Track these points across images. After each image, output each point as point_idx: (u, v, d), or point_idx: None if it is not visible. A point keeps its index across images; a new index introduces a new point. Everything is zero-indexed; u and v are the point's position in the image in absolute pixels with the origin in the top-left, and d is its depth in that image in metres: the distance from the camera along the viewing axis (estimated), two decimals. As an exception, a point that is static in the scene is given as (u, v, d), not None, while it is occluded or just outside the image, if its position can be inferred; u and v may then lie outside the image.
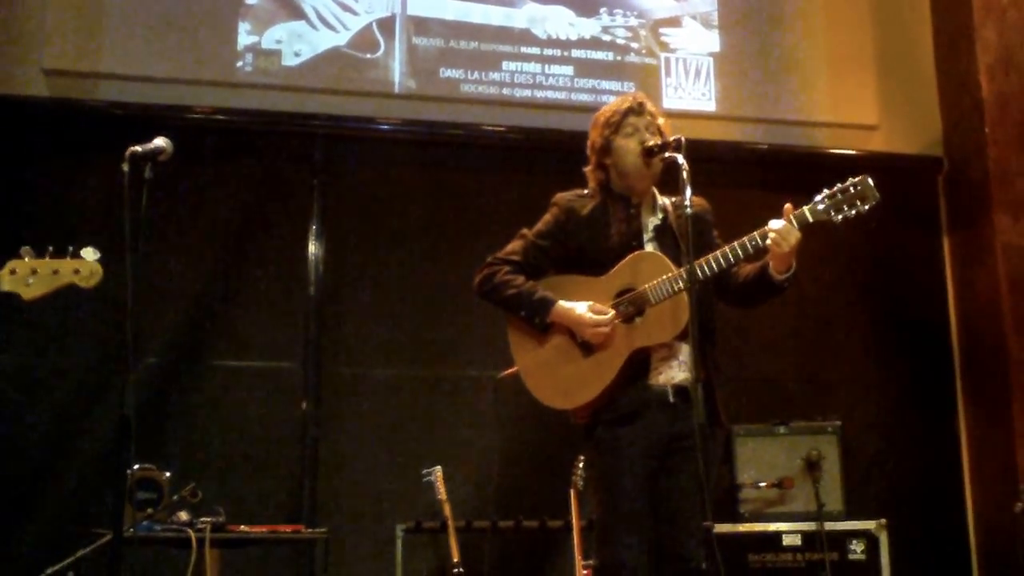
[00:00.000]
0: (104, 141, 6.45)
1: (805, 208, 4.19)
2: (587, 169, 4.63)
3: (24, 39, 6.83)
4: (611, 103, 4.63)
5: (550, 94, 7.48)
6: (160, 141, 4.23)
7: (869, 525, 6.23)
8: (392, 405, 6.93)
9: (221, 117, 7.02)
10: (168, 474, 5.60)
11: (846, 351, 7.72)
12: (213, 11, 7.09)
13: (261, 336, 6.88)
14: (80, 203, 6.65)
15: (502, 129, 7.42)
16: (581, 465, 5.63)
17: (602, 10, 7.65)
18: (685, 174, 4.09)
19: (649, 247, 4.42)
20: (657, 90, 7.54)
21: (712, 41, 7.84)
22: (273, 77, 7.10)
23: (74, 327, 6.54)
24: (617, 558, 4.20)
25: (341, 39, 7.22)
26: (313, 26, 7.18)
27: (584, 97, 7.47)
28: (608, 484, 4.31)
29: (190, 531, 5.36)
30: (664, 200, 4.52)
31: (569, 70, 7.51)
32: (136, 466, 5.35)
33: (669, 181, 4.31)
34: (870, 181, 4.14)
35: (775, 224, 4.17)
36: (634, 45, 7.67)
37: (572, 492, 5.84)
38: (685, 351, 4.27)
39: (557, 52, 7.53)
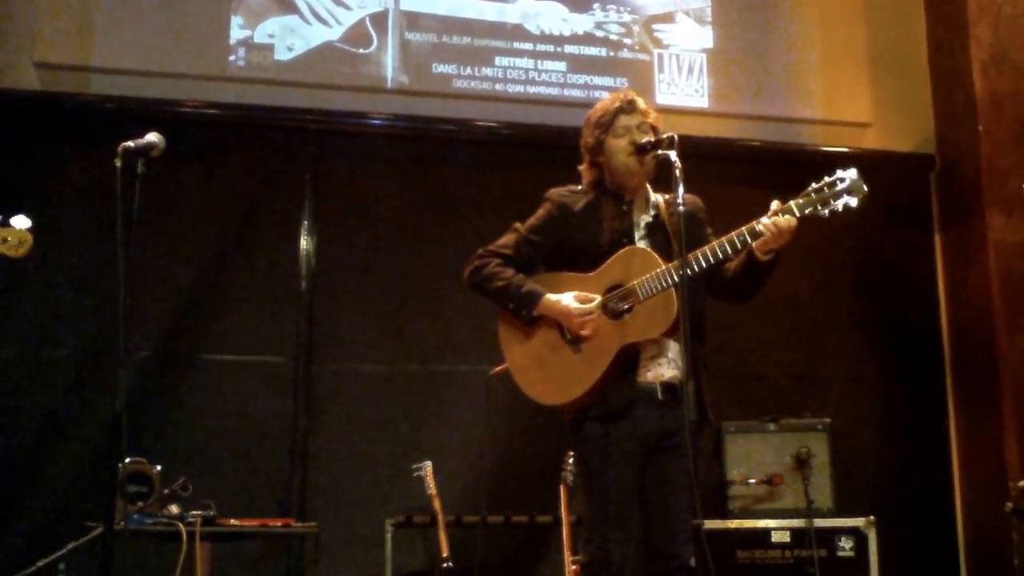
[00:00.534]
0: (95, 135, 6.48)
1: (792, 202, 4.18)
2: (581, 167, 4.62)
3: (15, 32, 6.82)
4: (602, 102, 4.62)
5: (542, 90, 7.49)
6: (153, 137, 4.23)
7: (858, 522, 6.25)
8: (382, 400, 6.93)
9: (213, 111, 7.02)
10: (159, 468, 5.61)
11: (837, 348, 7.73)
12: (205, 5, 7.09)
13: (252, 330, 6.87)
14: (70, 196, 6.64)
15: (494, 124, 7.42)
16: (571, 461, 5.63)
17: (595, 6, 7.65)
18: (678, 171, 4.09)
19: (641, 244, 4.41)
20: (650, 86, 7.54)
21: (705, 37, 7.84)
22: (265, 71, 7.10)
23: (64, 320, 6.55)
24: (605, 554, 4.19)
25: (334, 34, 7.21)
26: (306, 20, 7.17)
27: (576, 93, 7.47)
28: (596, 480, 4.30)
29: (180, 524, 5.38)
30: (657, 197, 4.52)
31: (562, 66, 7.51)
32: (127, 459, 5.35)
33: (663, 178, 4.31)
34: (857, 174, 4.14)
35: (766, 220, 4.17)
36: (627, 41, 7.67)
37: (562, 488, 5.85)
38: (674, 348, 4.29)
39: (550, 48, 7.52)
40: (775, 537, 6.23)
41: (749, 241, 4.18)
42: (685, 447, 3.92)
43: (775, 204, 4.21)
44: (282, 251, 7.00)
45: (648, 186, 4.54)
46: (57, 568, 5.36)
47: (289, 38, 7.13)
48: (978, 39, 7.69)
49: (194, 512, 5.48)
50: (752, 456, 6.48)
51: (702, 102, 7.75)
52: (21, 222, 4.58)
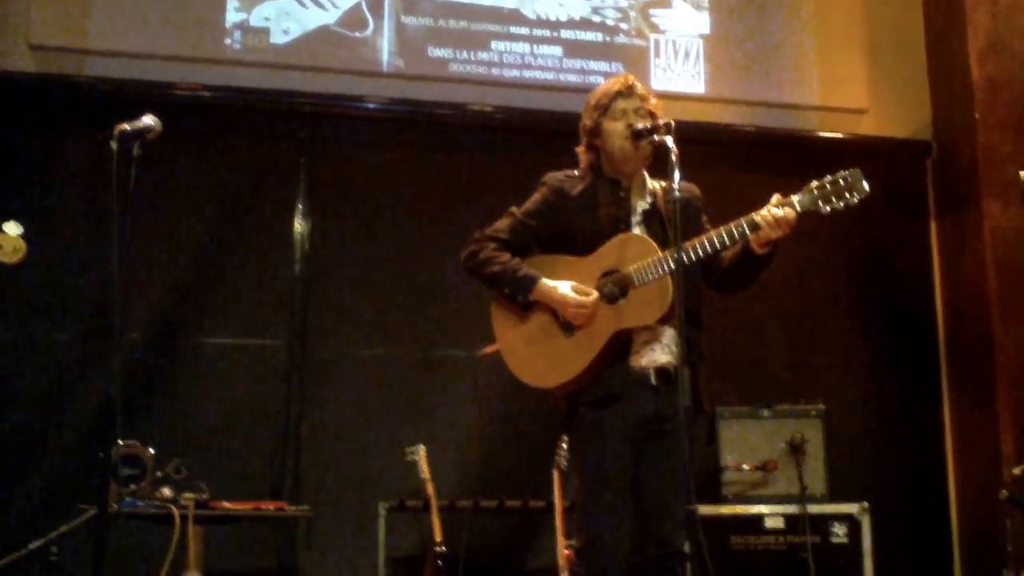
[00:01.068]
0: (91, 117, 6.47)
1: (794, 197, 4.18)
2: (579, 149, 4.62)
3: (11, 14, 6.79)
4: (602, 85, 4.62)
5: (538, 74, 7.46)
6: (148, 119, 4.22)
7: (852, 509, 6.27)
8: (376, 384, 6.93)
9: (208, 94, 6.99)
10: (152, 450, 5.60)
11: (832, 335, 7.73)
12: (201, -12, 7.07)
13: (246, 313, 6.87)
14: (65, 179, 6.64)
15: (490, 109, 7.39)
16: (564, 446, 5.63)
17: (592, -10, 7.64)
18: (674, 157, 4.08)
19: (637, 230, 4.41)
20: (646, 71, 7.51)
21: (702, 23, 7.82)
22: (261, 54, 7.07)
23: (58, 302, 6.54)
24: (598, 539, 4.20)
25: (330, 17, 7.19)
26: (302, 3, 7.15)
27: (572, 78, 7.45)
28: (589, 466, 4.31)
29: (173, 507, 5.37)
30: (654, 184, 4.51)
31: (558, 50, 7.49)
32: (120, 442, 5.33)
33: (660, 164, 4.30)
34: (860, 174, 4.14)
35: (765, 212, 4.16)
36: (623, 26, 7.65)
37: (555, 472, 5.85)
38: (669, 334, 4.27)
39: (546, 32, 7.50)
40: (768, 523, 6.25)
41: (747, 232, 4.17)
42: (679, 432, 3.92)
43: (776, 197, 4.21)
44: (277, 235, 6.99)
45: (645, 173, 4.53)
46: (50, 550, 5.36)
47: (285, 21, 7.11)
48: (976, 26, 7.68)
49: (187, 495, 5.47)
50: (746, 442, 6.49)
51: (698, 87, 7.72)
52: (13, 228, 4.58)
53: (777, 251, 4.27)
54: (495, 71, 7.40)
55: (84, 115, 6.66)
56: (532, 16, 7.48)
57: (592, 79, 7.18)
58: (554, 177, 4.59)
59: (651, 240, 4.31)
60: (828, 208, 4.16)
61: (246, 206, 6.97)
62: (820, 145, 7.85)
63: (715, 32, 7.83)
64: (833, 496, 6.39)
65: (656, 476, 4.27)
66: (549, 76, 7.47)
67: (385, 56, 7.25)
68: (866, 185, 4.13)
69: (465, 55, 7.34)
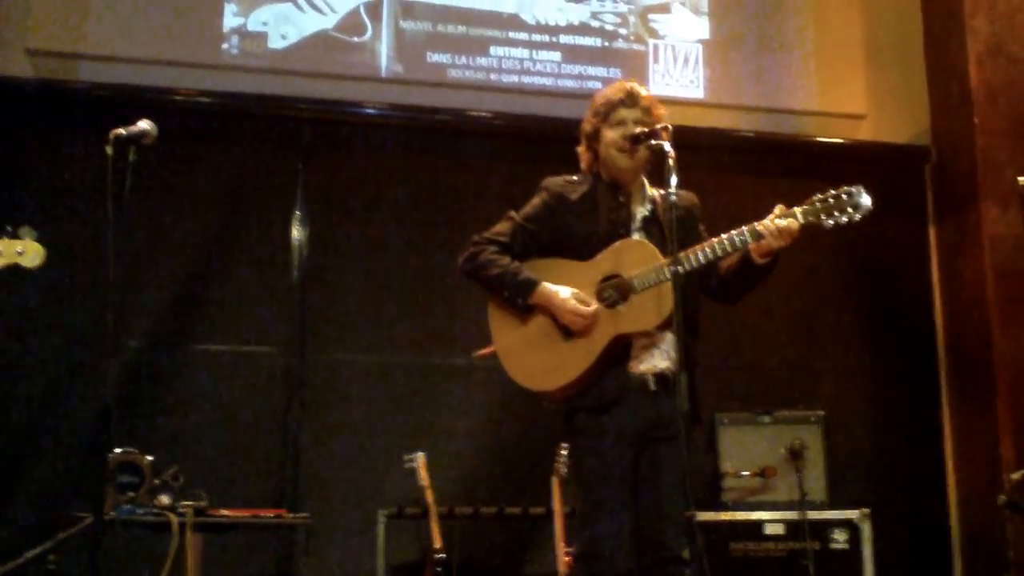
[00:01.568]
0: (88, 122, 6.44)
1: (796, 209, 4.20)
2: (579, 148, 4.62)
3: (8, 19, 6.78)
4: (608, 89, 4.62)
5: (537, 80, 7.45)
6: (144, 124, 4.22)
7: (852, 515, 6.25)
8: (375, 391, 6.92)
9: (206, 99, 6.98)
10: (150, 458, 5.57)
11: (831, 341, 7.72)
12: (199, -7, 7.06)
13: (244, 320, 6.85)
14: (62, 184, 6.62)
15: (488, 115, 7.38)
16: (564, 452, 5.62)
17: (591, -5, 7.64)
18: (671, 161, 4.07)
19: (636, 236, 4.40)
20: (645, 77, 7.51)
21: (701, 28, 7.82)
22: (259, 60, 7.07)
23: (54, 309, 6.52)
24: (597, 545, 4.20)
25: (328, 22, 7.18)
26: (300, 8, 7.14)
27: (571, 83, 7.44)
28: (588, 472, 4.30)
29: (171, 515, 5.35)
30: (653, 192, 4.51)
31: (557, 56, 7.48)
32: (117, 449, 5.32)
33: (660, 172, 4.28)
34: (864, 191, 4.15)
35: (767, 222, 4.16)
36: (623, 31, 7.65)
37: (555, 479, 5.84)
38: (668, 340, 4.27)
39: (545, 38, 7.49)
40: (768, 529, 6.23)
41: (749, 240, 4.18)
42: (678, 438, 3.90)
43: (778, 208, 4.22)
44: (274, 241, 6.97)
45: (644, 180, 4.53)
46: (47, 559, 5.33)
47: (283, 26, 7.10)
48: (974, 31, 7.67)
49: (185, 503, 5.44)
50: (745, 448, 6.48)
51: (697, 93, 7.72)
52: (29, 233, 4.57)
53: (778, 262, 4.27)
54: (494, 76, 7.39)
55: (81, 120, 6.64)
56: (531, 21, 7.47)
57: (590, 84, 7.19)
58: (554, 182, 4.58)
59: (651, 245, 4.30)
60: (831, 222, 4.18)
61: (244, 212, 6.96)
62: (819, 150, 7.84)
63: (714, 37, 7.82)
64: (833, 502, 6.37)
65: (655, 481, 4.26)
66: (548, 82, 7.46)
67: (383, 61, 7.24)
68: (869, 202, 4.15)
69: (464, 60, 7.33)
